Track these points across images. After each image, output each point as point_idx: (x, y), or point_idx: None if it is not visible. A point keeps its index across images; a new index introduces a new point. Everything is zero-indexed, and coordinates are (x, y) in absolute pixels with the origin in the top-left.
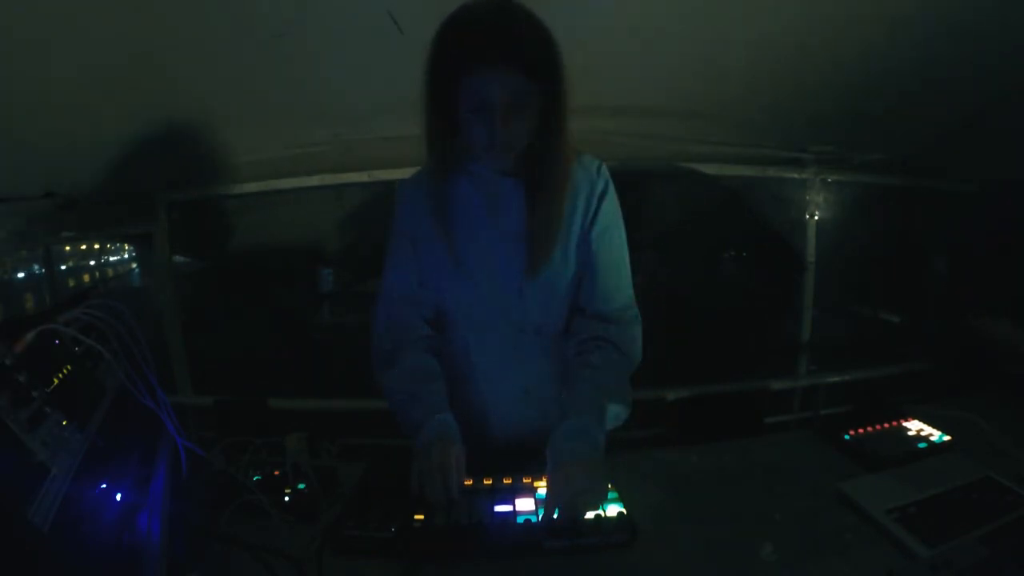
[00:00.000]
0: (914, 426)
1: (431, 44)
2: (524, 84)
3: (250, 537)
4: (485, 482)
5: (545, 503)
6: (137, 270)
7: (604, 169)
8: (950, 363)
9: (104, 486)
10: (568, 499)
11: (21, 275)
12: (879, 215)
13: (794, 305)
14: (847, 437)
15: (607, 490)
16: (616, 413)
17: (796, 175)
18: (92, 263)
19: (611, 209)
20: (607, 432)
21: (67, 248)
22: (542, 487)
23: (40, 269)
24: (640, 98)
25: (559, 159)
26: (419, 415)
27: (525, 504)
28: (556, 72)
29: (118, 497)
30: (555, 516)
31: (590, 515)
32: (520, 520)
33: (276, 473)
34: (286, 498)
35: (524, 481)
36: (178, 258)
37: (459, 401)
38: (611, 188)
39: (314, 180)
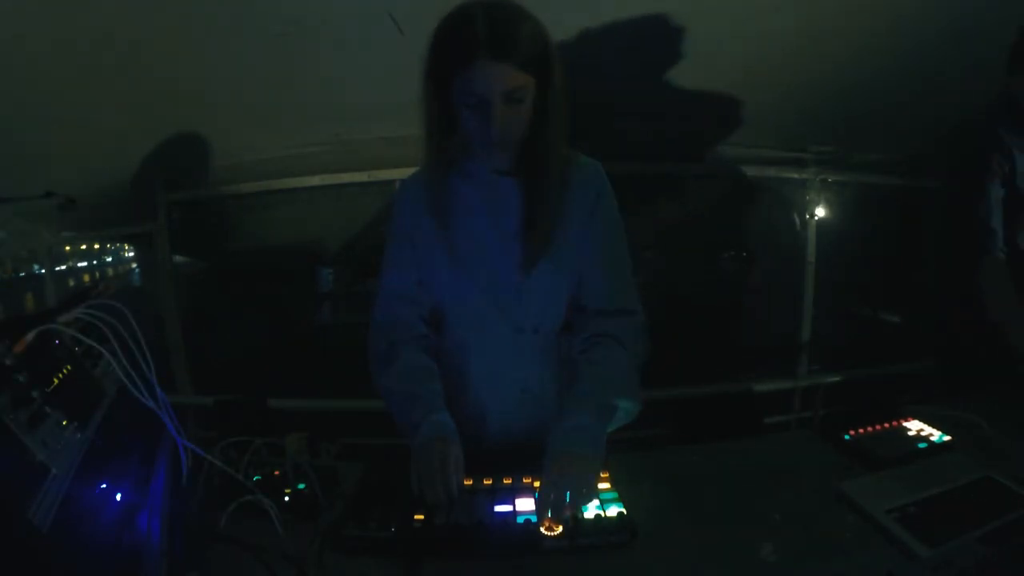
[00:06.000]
0: (914, 426)
1: (429, 41)
2: (518, 78)
3: (250, 537)
4: (485, 482)
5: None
6: (137, 270)
7: (601, 169)
8: (950, 363)
9: (104, 486)
10: (557, 495)
11: (21, 275)
12: (879, 215)
13: (794, 305)
14: (847, 437)
15: (596, 489)
16: (626, 409)
17: (796, 175)
18: (92, 263)
19: (609, 207)
20: (613, 428)
21: (67, 248)
22: None
23: (40, 269)
24: (640, 98)
25: (554, 156)
26: (416, 415)
27: (525, 504)
28: (550, 69)
29: (118, 497)
30: (547, 513)
31: (589, 515)
32: (520, 520)
33: (276, 473)
34: (286, 498)
35: (524, 481)
36: (178, 258)
37: (457, 401)
38: (608, 187)
39: (314, 180)
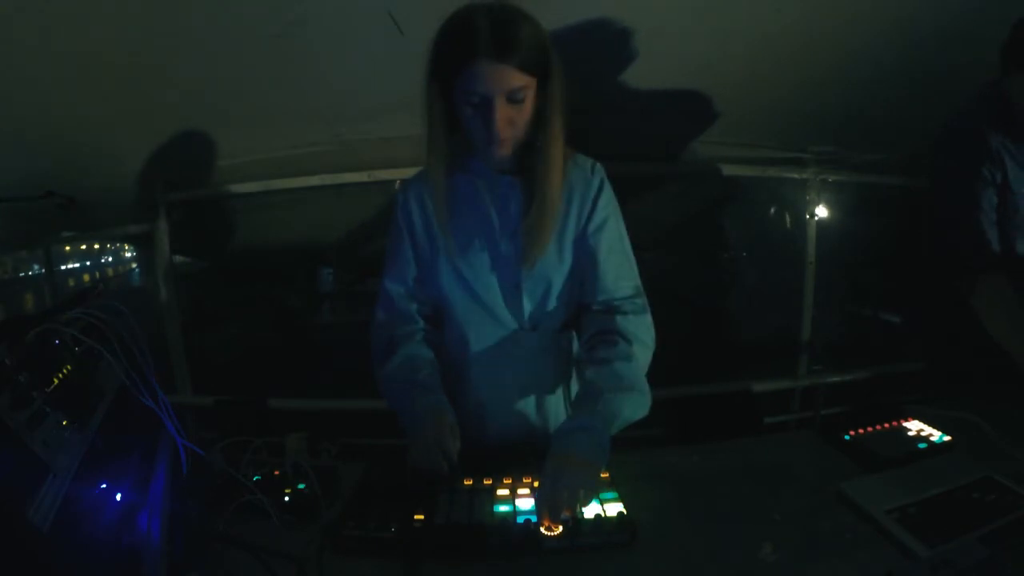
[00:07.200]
0: (914, 426)
1: (433, 42)
2: (519, 79)
3: (250, 537)
4: (485, 482)
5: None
6: (137, 270)
7: (599, 167)
8: (950, 363)
9: (104, 486)
10: (555, 496)
11: (21, 275)
12: (879, 215)
13: (794, 305)
14: (847, 437)
15: (596, 490)
16: (634, 404)
17: (796, 175)
18: (92, 263)
19: (607, 203)
20: (623, 426)
21: (67, 248)
22: None
23: (40, 269)
24: (640, 98)
25: (554, 155)
26: (413, 399)
27: (525, 504)
28: (550, 70)
29: (118, 497)
30: (545, 513)
31: (589, 515)
32: (520, 520)
33: (276, 473)
34: (286, 498)
35: (524, 481)
36: (178, 258)
37: (456, 397)
38: (607, 184)
39: (314, 180)
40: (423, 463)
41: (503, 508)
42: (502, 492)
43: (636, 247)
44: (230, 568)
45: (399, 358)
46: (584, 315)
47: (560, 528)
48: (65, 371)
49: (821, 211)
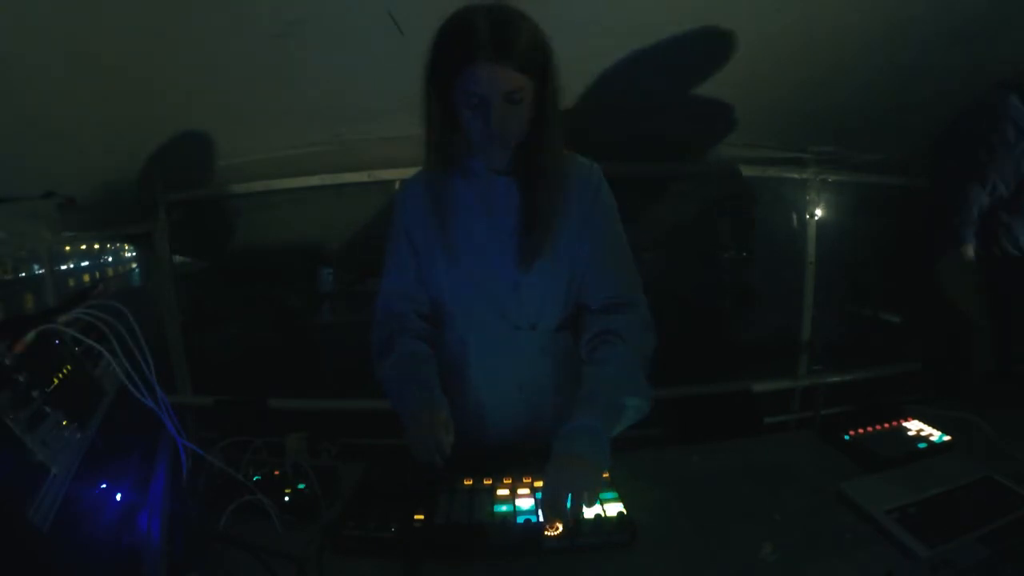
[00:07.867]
0: (914, 426)
1: (432, 43)
2: (518, 80)
3: (250, 537)
4: (485, 482)
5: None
6: (137, 270)
7: (597, 168)
8: (950, 363)
9: (104, 486)
10: (558, 497)
11: (21, 275)
12: (879, 215)
13: (794, 305)
14: (847, 437)
15: (597, 492)
16: (635, 406)
17: (796, 175)
18: (92, 263)
19: (606, 204)
20: (624, 426)
21: (67, 248)
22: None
23: (40, 269)
24: (640, 98)
25: (552, 156)
26: (410, 395)
27: (525, 504)
28: (549, 71)
29: (118, 497)
30: (548, 514)
31: (589, 515)
32: (520, 520)
33: (276, 473)
34: (286, 498)
35: (524, 481)
36: (178, 258)
37: (455, 397)
38: (605, 185)
39: (314, 180)
40: (417, 456)
41: (503, 508)
42: (502, 492)
43: (636, 247)
44: (230, 568)
45: (396, 356)
46: (584, 315)
47: (560, 528)
48: (65, 371)
49: (821, 211)
